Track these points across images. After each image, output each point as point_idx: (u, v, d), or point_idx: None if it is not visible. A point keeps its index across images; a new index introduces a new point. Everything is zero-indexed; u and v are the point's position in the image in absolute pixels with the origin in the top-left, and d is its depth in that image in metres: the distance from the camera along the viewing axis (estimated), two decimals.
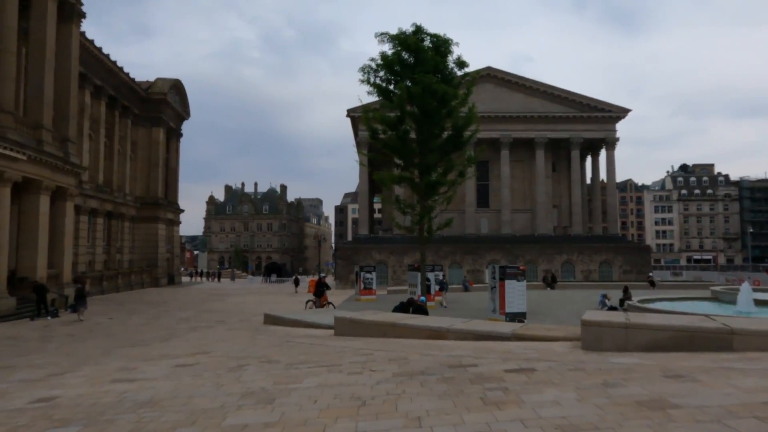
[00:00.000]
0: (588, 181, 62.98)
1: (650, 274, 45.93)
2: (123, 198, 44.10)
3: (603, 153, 58.27)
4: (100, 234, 40.37)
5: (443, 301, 27.19)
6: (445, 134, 23.00)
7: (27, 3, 25.54)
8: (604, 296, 23.78)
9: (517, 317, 18.04)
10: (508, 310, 18.79)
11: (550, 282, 40.85)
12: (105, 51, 38.97)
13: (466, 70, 23.23)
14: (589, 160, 61.68)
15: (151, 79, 49.86)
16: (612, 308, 20.96)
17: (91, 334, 17.05)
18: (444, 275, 33.09)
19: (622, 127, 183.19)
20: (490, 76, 54.84)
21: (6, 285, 22.98)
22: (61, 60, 27.79)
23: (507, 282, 19.06)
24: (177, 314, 24.35)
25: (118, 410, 6.16)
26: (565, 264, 52.23)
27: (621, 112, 56.28)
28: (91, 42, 36.60)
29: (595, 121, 55.99)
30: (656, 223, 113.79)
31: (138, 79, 46.74)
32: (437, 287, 27.84)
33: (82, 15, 30.13)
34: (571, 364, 7.02)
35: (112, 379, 8.51)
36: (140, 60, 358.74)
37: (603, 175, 60.38)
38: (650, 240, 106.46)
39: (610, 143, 56.32)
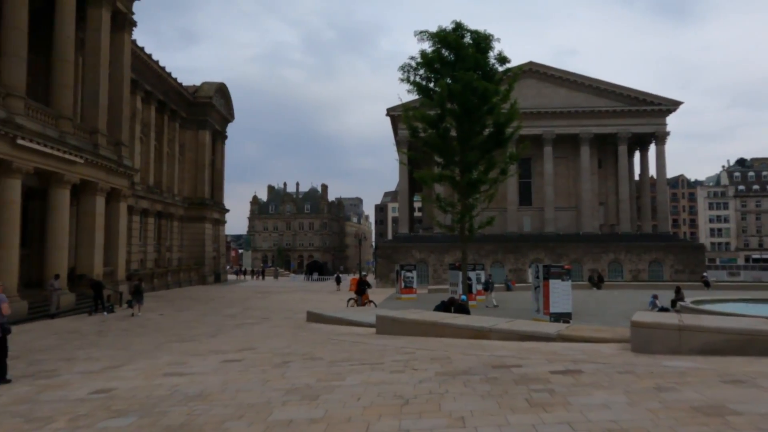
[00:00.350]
0: (636, 177, 60.65)
1: (704, 274, 43.78)
2: (172, 198, 45.79)
3: (652, 148, 56.03)
4: (151, 233, 42.04)
5: (492, 300, 26.79)
6: (487, 131, 22.71)
7: (83, 14, 26.90)
8: (655, 297, 22.96)
9: (562, 318, 17.63)
10: (552, 310, 18.41)
11: (597, 282, 39.68)
12: (154, 57, 40.54)
13: (508, 65, 22.91)
14: (637, 155, 59.35)
15: (197, 83, 51.53)
16: (663, 309, 20.17)
17: (144, 330, 17.79)
18: (489, 275, 32.61)
19: (672, 121, 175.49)
20: (532, 71, 53.70)
21: (67, 281, 24.35)
22: (114, 67, 29.14)
23: (551, 281, 18.67)
24: (223, 311, 25.08)
25: (170, 403, 6.41)
26: (613, 263, 50.59)
27: (671, 105, 53.96)
28: (142, 49, 38.15)
29: (643, 115, 53.92)
30: (710, 221, 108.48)
31: (185, 83, 48.39)
32: (479, 286, 27.49)
33: (134, 24, 31.48)
34: (620, 367, 6.80)
35: (164, 372, 8.85)
36: (187, 65, 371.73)
37: (652, 170, 58.01)
38: (704, 238, 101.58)
39: (660, 138, 54.09)
